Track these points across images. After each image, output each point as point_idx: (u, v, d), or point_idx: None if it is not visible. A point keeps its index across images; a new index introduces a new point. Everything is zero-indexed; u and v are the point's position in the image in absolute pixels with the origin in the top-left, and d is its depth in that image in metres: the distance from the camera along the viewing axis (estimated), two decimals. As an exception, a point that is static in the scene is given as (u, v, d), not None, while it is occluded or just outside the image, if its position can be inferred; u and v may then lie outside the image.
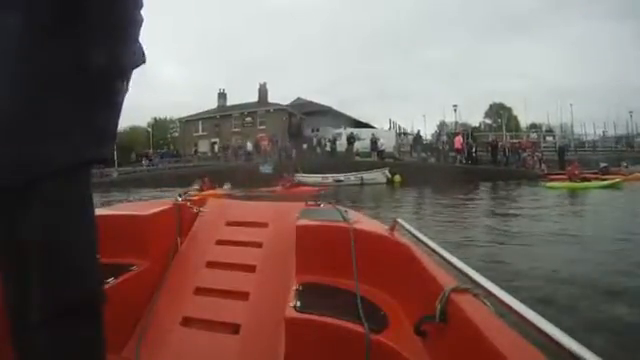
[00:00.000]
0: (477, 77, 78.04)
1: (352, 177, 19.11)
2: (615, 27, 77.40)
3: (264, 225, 1.89)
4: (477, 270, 0.93)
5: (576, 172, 13.92)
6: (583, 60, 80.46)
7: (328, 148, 23.81)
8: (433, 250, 1.13)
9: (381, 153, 21.95)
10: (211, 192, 13.46)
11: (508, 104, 43.78)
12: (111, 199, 13.55)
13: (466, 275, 0.93)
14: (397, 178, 18.88)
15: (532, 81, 70.89)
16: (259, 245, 1.75)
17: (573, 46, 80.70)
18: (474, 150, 21.25)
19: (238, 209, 2.14)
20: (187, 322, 1.40)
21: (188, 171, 23.79)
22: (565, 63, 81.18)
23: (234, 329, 1.35)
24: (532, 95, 69.34)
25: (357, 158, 22.07)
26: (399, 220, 1.41)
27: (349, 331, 1.03)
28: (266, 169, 21.24)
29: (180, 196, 1.99)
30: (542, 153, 22.95)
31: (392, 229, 1.42)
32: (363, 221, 1.64)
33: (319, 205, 1.99)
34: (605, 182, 13.21)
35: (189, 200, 2.00)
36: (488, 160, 21.32)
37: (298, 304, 1.12)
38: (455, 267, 0.99)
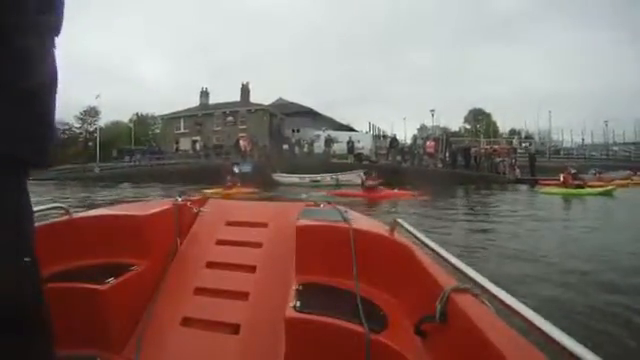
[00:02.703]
0: (460, 82, 79.42)
1: (328, 178, 19.44)
2: (595, 37, 79.68)
3: (264, 225, 1.88)
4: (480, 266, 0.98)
5: (570, 179, 14.10)
6: (564, 68, 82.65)
7: (306, 149, 24.21)
8: (433, 250, 1.13)
9: (358, 155, 22.37)
10: (235, 190, 13.67)
11: (488, 109, 45.00)
12: (95, 195, 13.63)
13: (466, 275, 0.93)
14: (372, 180, 19.25)
15: (513, 87, 72.83)
16: (259, 245, 1.74)
17: (554, 54, 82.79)
18: (447, 155, 21.82)
19: (238, 209, 2.14)
20: (187, 322, 1.39)
21: (170, 168, 23.88)
22: (546, 71, 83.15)
23: (234, 329, 1.35)
24: (513, 101, 70.81)
25: (334, 160, 22.43)
26: (399, 220, 1.41)
27: (349, 331, 1.03)
28: (245, 168, 21.44)
29: (180, 196, 1.98)
30: (515, 159, 23.63)
31: (392, 229, 1.42)
32: (363, 221, 1.65)
33: (319, 205, 1.99)
34: (598, 189, 13.50)
35: (189, 200, 2.00)
36: (462, 165, 21.90)
37: (298, 304, 1.12)
38: (455, 267, 0.99)
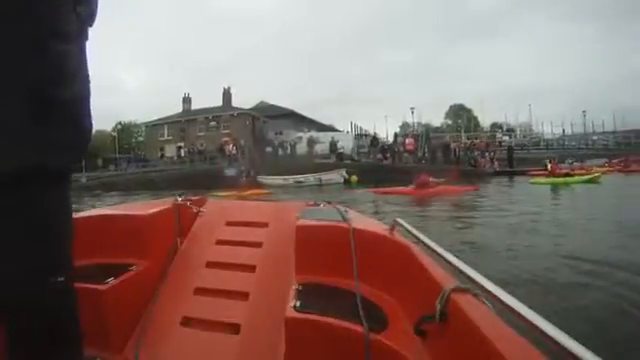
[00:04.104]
0: (441, 79, 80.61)
1: (311, 178, 19.85)
2: (573, 30, 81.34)
3: (264, 225, 1.88)
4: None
5: (557, 169, 15.04)
6: (543, 62, 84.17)
7: (289, 151, 24.67)
8: (433, 250, 1.13)
9: (340, 155, 22.89)
10: (250, 192, 14.19)
11: (469, 105, 45.97)
12: (85, 206, 13.71)
13: (466, 275, 0.93)
14: (354, 178, 19.70)
15: (494, 82, 73.99)
16: (259, 245, 1.74)
17: (533, 48, 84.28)
18: (425, 151, 22.36)
19: (238, 209, 2.16)
20: (187, 322, 1.39)
21: (156, 175, 23.93)
22: (525, 65, 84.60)
23: (234, 329, 1.34)
24: (494, 96, 71.95)
25: (317, 160, 22.87)
26: (399, 220, 1.41)
27: (349, 331, 1.03)
28: (231, 172, 21.70)
29: (180, 196, 1.98)
30: (494, 152, 24.25)
31: (392, 229, 1.42)
32: (363, 221, 1.66)
33: (319, 205, 1.99)
34: (585, 177, 14.31)
35: (189, 200, 2.00)
36: (442, 160, 22.45)
37: (298, 304, 1.13)
38: (455, 267, 0.98)
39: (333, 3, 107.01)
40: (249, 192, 14.14)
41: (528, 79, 72.82)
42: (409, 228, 1.34)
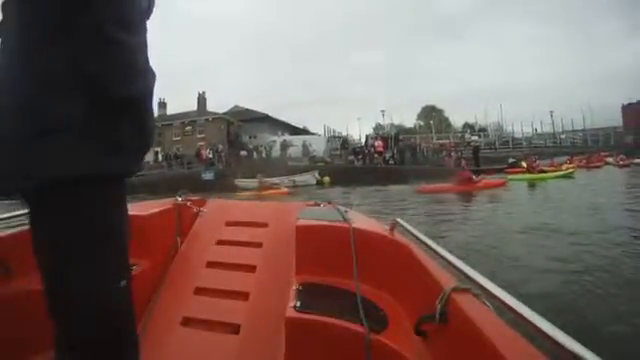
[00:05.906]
0: (414, 80, 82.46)
1: (286, 180, 20.45)
2: (543, 31, 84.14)
3: (264, 225, 1.88)
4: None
5: (534, 165, 16.09)
6: (514, 62, 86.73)
7: (264, 154, 25.44)
8: (433, 250, 1.13)
9: (313, 158, 23.88)
10: (271, 191, 15.11)
11: (441, 106, 47.93)
12: None
13: (466, 275, 0.92)
14: (326, 179, 20.53)
15: (466, 83, 76.07)
16: (259, 245, 1.74)
17: (504, 49, 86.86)
18: (394, 152, 23.35)
19: (238, 209, 2.17)
20: (187, 322, 1.39)
21: (136, 180, 23.96)
22: (497, 65, 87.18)
23: (234, 329, 1.35)
24: (466, 96, 73.89)
25: (290, 163, 23.58)
26: (399, 220, 1.41)
27: (349, 331, 1.03)
28: (208, 176, 22.11)
29: (180, 196, 1.98)
30: (461, 152, 25.27)
31: (392, 229, 1.42)
32: (363, 221, 1.66)
33: (319, 205, 1.99)
34: (559, 173, 15.48)
35: (189, 200, 2.01)
36: (411, 161, 23.48)
37: (298, 304, 1.13)
38: (455, 267, 0.98)
39: (305, 5, 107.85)
40: (269, 192, 15.06)
41: (500, 79, 75.43)
42: (409, 228, 1.35)
